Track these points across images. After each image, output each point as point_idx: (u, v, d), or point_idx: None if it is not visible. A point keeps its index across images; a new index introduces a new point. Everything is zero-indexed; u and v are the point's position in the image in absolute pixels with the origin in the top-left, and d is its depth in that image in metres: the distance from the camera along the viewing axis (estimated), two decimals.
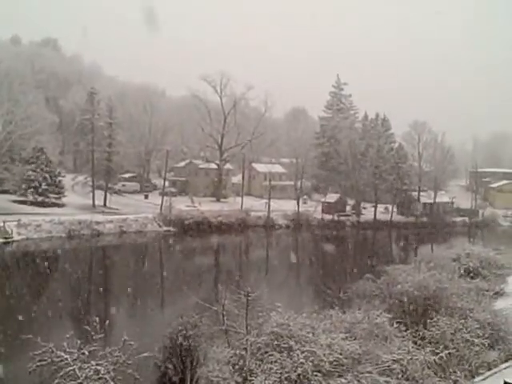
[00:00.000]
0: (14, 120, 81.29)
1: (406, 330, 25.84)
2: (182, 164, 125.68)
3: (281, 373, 20.46)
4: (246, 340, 22.53)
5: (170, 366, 21.77)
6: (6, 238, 68.15)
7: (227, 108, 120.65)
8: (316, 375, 20.33)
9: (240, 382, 20.82)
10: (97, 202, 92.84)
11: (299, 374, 20.34)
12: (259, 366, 21.44)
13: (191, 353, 21.88)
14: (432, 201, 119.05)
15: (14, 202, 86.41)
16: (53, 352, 19.42)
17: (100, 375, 18.79)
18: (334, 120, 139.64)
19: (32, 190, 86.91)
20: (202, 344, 22.54)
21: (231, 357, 22.13)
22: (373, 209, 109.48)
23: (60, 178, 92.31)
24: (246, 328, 23.59)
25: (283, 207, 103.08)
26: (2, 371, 23.32)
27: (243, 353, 22.07)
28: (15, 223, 71.09)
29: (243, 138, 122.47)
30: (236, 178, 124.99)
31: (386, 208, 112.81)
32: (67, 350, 19.60)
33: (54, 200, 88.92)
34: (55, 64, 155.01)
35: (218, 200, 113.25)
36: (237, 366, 21.69)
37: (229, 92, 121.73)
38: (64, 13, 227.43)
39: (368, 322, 25.19)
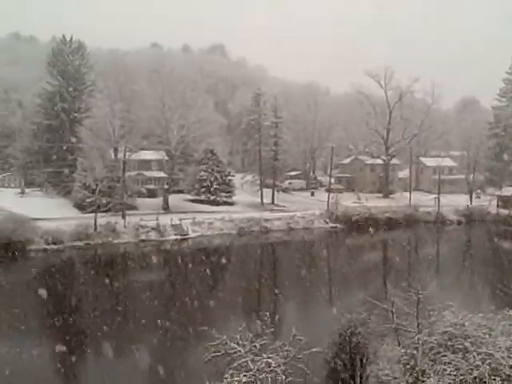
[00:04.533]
0: (186, 124, 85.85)
1: None
2: (348, 160, 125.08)
3: (455, 375, 19.47)
4: (418, 339, 21.76)
5: (340, 362, 21.69)
6: (182, 234, 72.68)
7: (392, 102, 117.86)
8: (494, 379, 19.11)
9: (411, 382, 20.17)
10: (265, 200, 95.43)
11: (475, 377, 19.24)
12: (431, 366, 20.59)
13: (360, 350, 21.64)
14: None
15: (189, 201, 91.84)
16: (226, 344, 20.20)
17: (271, 368, 19.17)
18: (509, 108, 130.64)
19: (204, 189, 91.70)
20: (372, 342, 22.19)
21: (402, 356, 21.49)
22: None
23: (230, 178, 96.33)
24: (417, 327, 22.79)
25: (454, 202, 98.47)
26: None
27: (414, 352, 21.34)
28: (190, 221, 75.53)
29: (410, 132, 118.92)
30: (403, 173, 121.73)
31: None
32: (240, 342, 20.27)
33: (224, 198, 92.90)
34: (222, 69, 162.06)
35: (385, 196, 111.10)
36: (408, 366, 21.02)
37: (393, 85, 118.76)
38: (229, 19, 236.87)
39: None
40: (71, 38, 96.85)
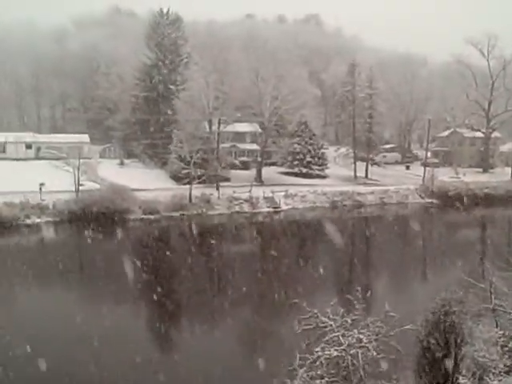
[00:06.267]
0: (280, 95, 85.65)
1: None
2: (445, 133, 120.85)
3: None
4: None
5: (433, 341, 21.17)
6: (274, 207, 73.16)
7: (495, 71, 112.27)
8: None
9: (510, 364, 19.45)
10: (358, 174, 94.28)
11: None
12: None
13: (455, 330, 21.01)
14: None
15: (281, 173, 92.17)
16: (317, 317, 20.20)
17: (362, 344, 19.04)
18: None
19: (297, 162, 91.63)
20: (467, 322, 21.50)
21: (499, 337, 20.76)
22: None
23: (323, 151, 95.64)
24: None
25: None
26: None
27: None
28: (283, 193, 75.86)
29: None
30: (505, 147, 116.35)
31: None
32: (331, 316, 20.23)
33: (317, 171, 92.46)
34: (317, 39, 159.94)
35: (485, 170, 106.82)
36: (506, 348, 20.30)
37: (497, 54, 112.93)
38: None
39: None
40: (168, 11, 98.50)
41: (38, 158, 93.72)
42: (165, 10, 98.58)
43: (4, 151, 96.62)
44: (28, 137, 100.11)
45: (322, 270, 43.69)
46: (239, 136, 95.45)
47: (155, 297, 35.79)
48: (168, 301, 36.95)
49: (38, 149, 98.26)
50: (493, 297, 22.79)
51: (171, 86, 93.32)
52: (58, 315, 33.33)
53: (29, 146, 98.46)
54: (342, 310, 20.61)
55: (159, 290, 38.10)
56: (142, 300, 37.96)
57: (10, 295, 37.65)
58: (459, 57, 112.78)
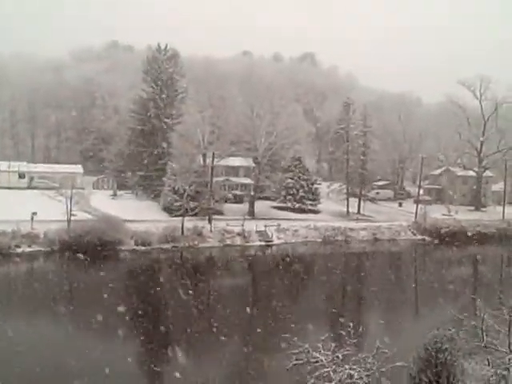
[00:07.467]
0: (275, 131, 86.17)
1: None
2: (438, 171, 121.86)
3: None
4: (509, 359, 20.79)
5: (425, 378, 21.00)
6: (266, 241, 73.02)
7: (487, 112, 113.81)
8: None
9: None
10: (351, 209, 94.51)
11: None
12: None
13: (447, 367, 20.87)
14: None
15: (274, 207, 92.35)
16: (309, 352, 20.03)
17: (353, 380, 18.87)
18: None
19: (290, 196, 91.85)
20: (459, 359, 21.35)
21: (491, 376, 20.59)
22: None
23: (316, 186, 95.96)
24: (509, 346, 21.76)
25: None
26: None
27: (505, 373, 20.39)
28: (275, 228, 75.76)
29: (506, 144, 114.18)
30: (497, 186, 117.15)
31: None
32: (322, 351, 20.06)
33: (310, 207, 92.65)
34: (313, 77, 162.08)
35: (477, 209, 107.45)
36: None
37: (489, 96, 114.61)
38: (320, 27, 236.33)
39: None
40: (166, 46, 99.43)
41: (30, 187, 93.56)
42: (162, 46, 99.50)
43: None
44: (21, 166, 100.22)
45: (314, 305, 43.53)
46: (233, 170, 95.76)
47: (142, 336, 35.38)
48: (153, 334, 36.55)
49: (31, 178, 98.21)
50: (484, 334, 22.64)
51: (167, 120, 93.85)
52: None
53: (22, 176, 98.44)
54: (334, 345, 20.48)
55: (145, 326, 37.74)
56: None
57: None
58: (453, 97, 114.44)
